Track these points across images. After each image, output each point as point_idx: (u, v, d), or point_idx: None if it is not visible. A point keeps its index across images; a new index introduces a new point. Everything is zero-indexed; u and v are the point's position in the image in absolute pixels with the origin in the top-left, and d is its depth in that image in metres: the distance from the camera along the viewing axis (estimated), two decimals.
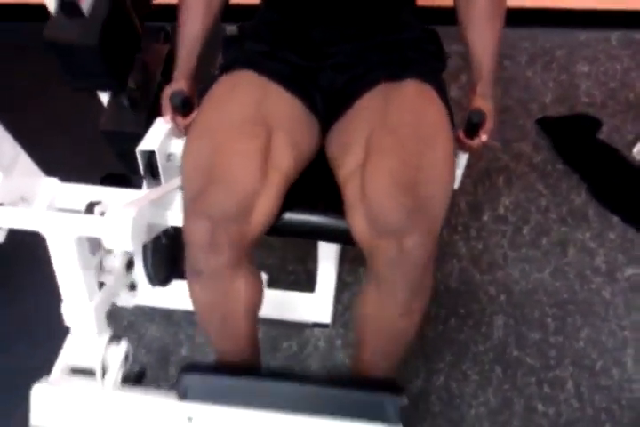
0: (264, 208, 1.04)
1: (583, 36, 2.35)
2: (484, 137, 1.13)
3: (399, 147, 1.03)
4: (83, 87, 1.49)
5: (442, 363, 1.64)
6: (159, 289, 1.62)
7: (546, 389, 1.60)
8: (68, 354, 1.15)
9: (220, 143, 1.07)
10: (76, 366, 1.16)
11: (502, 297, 1.74)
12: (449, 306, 1.73)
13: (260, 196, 1.03)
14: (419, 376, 1.61)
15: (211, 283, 1.05)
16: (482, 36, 1.17)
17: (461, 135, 1.13)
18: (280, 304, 1.64)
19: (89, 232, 1.02)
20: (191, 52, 1.20)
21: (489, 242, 1.84)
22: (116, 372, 1.13)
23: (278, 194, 1.06)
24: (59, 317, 1.17)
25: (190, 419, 1.02)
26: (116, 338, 1.19)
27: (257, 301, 1.12)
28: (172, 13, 1.24)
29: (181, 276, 1.29)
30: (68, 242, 1.04)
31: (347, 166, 1.07)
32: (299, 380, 1.06)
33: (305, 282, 1.76)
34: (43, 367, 1.15)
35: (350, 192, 1.04)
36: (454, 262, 1.80)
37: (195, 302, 1.11)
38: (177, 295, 1.64)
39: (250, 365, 1.17)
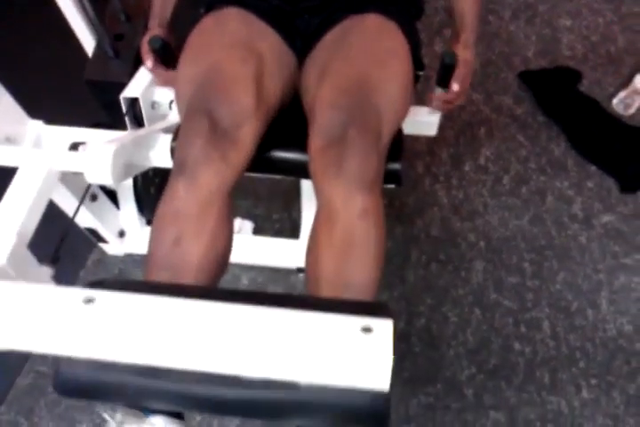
0: (253, 130, 1.05)
1: None
2: (455, 86, 1.15)
3: (349, 65, 1.06)
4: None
5: (422, 306, 1.69)
6: (147, 235, 1.67)
7: (522, 329, 1.65)
8: None
9: (214, 64, 1.08)
10: None
11: (482, 243, 1.79)
12: (429, 252, 1.78)
13: (251, 118, 1.04)
14: (400, 319, 1.66)
15: (186, 187, 0.98)
16: None
17: (435, 90, 1.16)
18: (265, 251, 1.68)
19: (71, 167, 1.06)
20: (166, 2, 1.22)
21: (469, 191, 1.89)
22: None
23: (265, 121, 1.09)
24: None
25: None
26: None
27: (220, 251, 1.01)
28: None
29: None
30: (43, 175, 1.06)
31: (307, 95, 1.11)
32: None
33: (290, 230, 1.80)
34: None
35: (308, 116, 1.07)
36: (435, 211, 1.85)
37: (159, 207, 1.00)
38: None
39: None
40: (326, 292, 0.94)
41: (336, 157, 0.97)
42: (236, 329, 0.63)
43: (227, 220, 1.02)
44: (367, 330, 0.64)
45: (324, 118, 1.01)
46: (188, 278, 0.95)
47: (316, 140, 1.01)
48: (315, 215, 1.01)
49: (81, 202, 1.22)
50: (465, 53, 1.15)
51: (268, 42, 1.15)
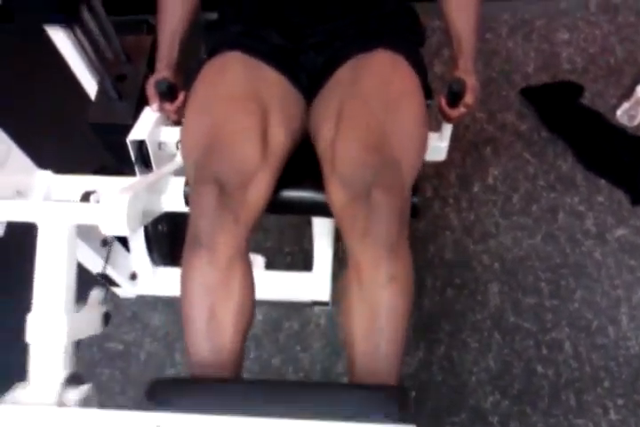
0: (263, 185, 1.05)
1: (562, 4, 2.36)
2: (462, 109, 1.14)
3: (366, 112, 1.05)
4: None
5: (441, 333, 1.67)
6: (159, 277, 1.66)
7: (544, 351, 1.63)
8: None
9: (218, 119, 1.08)
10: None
11: (496, 265, 1.78)
12: (444, 277, 1.76)
13: (259, 173, 1.05)
14: (419, 348, 1.65)
15: (207, 258, 1.00)
16: (462, 10, 1.18)
17: (443, 102, 1.14)
18: (279, 285, 1.67)
19: (86, 220, 1.05)
20: (172, 43, 1.22)
21: (480, 212, 1.87)
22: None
23: (275, 172, 1.08)
24: None
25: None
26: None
27: (248, 308, 1.03)
28: (154, 5, 1.25)
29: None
30: (65, 232, 1.05)
31: (321, 140, 1.09)
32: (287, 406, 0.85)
33: (302, 262, 1.79)
34: None
35: (325, 163, 1.07)
36: (447, 234, 1.84)
37: (184, 284, 1.03)
38: (178, 283, 1.67)
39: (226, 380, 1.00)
40: (359, 353, 0.99)
41: (363, 219, 0.98)
42: None
43: (248, 275, 1.05)
44: None
45: (346, 171, 1.01)
46: (227, 344, 0.99)
47: (338, 192, 1.02)
48: (345, 270, 1.04)
49: (108, 256, 1.22)
50: (468, 80, 1.13)
51: (273, 86, 1.15)
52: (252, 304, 1.05)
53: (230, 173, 1.02)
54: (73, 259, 1.06)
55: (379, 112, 1.06)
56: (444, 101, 1.14)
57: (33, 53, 1.31)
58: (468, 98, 1.13)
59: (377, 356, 0.98)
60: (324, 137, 1.08)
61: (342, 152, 1.02)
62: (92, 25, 1.41)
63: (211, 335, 0.99)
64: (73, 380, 1.01)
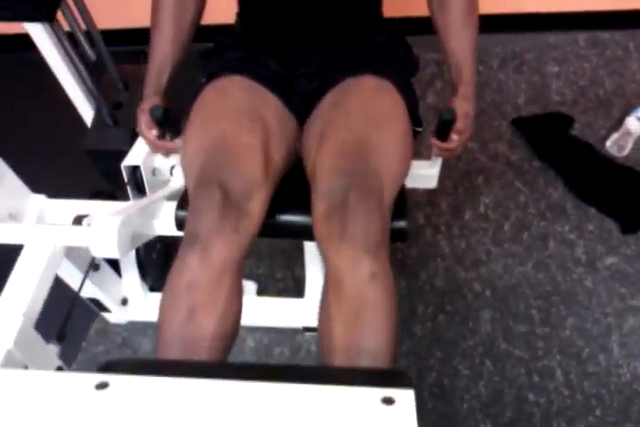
0: (263, 200, 1.06)
1: (552, 38, 2.42)
2: (454, 137, 1.15)
3: (345, 129, 1.07)
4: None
5: (432, 360, 1.67)
6: (151, 302, 1.67)
7: (535, 378, 1.63)
8: None
9: (222, 135, 1.09)
10: None
11: (487, 292, 1.78)
12: (435, 304, 1.77)
13: (262, 187, 1.06)
14: (410, 374, 1.64)
15: (201, 256, 0.98)
16: (460, 38, 1.20)
17: (433, 139, 1.16)
18: (270, 311, 1.67)
19: (76, 242, 1.06)
20: (162, 69, 1.23)
21: (471, 240, 1.89)
22: None
23: (273, 189, 1.10)
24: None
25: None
26: None
27: (231, 322, 1.00)
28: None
29: None
30: (48, 252, 1.06)
31: (307, 161, 1.12)
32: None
33: (294, 289, 1.80)
34: None
35: (311, 183, 1.09)
36: (438, 262, 1.85)
37: (171, 279, 1.00)
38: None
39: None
40: (340, 360, 0.92)
41: (339, 223, 0.97)
42: (253, 408, 0.63)
43: (238, 290, 1.02)
44: (389, 401, 0.64)
45: (324, 184, 1.02)
46: (202, 352, 0.94)
47: (318, 205, 1.02)
48: (323, 283, 1.01)
49: (85, 275, 1.22)
50: (464, 106, 1.15)
51: (271, 108, 1.17)
52: (235, 319, 1.01)
53: (235, 183, 1.01)
54: (49, 277, 1.06)
55: (357, 127, 1.08)
56: (433, 137, 1.16)
57: (31, 79, 1.34)
58: (459, 123, 1.13)
59: (364, 355, 0.93)
60: (308, 158, 1.11)
61: (320, 167, 1.04)
62: (90, 53, 1.45)
63: (185, 337, 0.94)
64: None
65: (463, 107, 1.15)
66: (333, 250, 0.98)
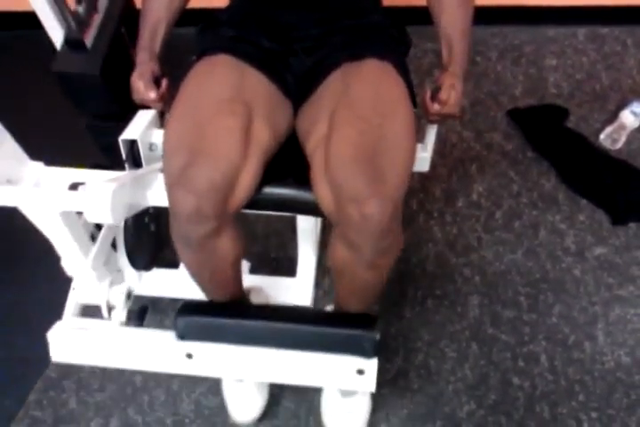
0: (245, 182, 1.09)
1: (551, 32, 2.44)
2: (436, 106, 1.16)
3: (359, 119, 1.08)
4: (87, 113, 1.51)
5: (420, 342, 1.69)
6: (145, 277, 1.68)
7: (521, 363, 1.65)
8: (76, 298, 1.33)
9: (201, 120, 1.11)
10: (86, 305, 1.35)
11: (477, 278, 1.80)
12: (425, 288, 1.79)
13: (242, 170, 1.08)
14: (398, 355, 1.67)
15: (198, 248, 1.13)
16: (452, 18, 1.20)
17: (427, 95, 1.17)
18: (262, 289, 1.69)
19: (71, 207, 1.08)
20: (155, 33, 1.23)
21: (463, 226, 1.91)
22: (120, 310, 1.33)
23: (258, 168, 1.12)
24: (59, 306, 1.27)
25: (190, 355, 1.18)
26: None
27: (240, 253, 1.21)
28: None
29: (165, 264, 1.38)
30: (53, 217, 1.08)
31: (312, 140, 1.13)
32: (284, 319, 1.20)
33: (286, 268, 1.81)
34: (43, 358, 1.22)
35: (316, 163, 1.10)
36: (430, 247, 1.87)
37: (185, 263, 1.23)
38: (162, 283, 1.69)
39: (238, 303, 1.34)
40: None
41: (355, 211, 1.01)
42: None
43: (239, 234, 1.19)
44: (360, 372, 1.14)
45: (340, 173, 1.03)
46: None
47: (331, 195, 1.06)
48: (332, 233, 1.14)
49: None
50: (450, 79, 1.15)
51: (260, 88, 1.19)
52: (241, 249, 1.21)
53: (211, 177, 1.04)
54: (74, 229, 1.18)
55: (370, 119, 1.08)
56: (429, 94, 1.17)
57: (32, 51, 1.35)
58: (443, 93, 1.14)
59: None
60: (315, 137, 1.12)
61: (335, 155, 1.04)
62: None
63: (217, 284, 1.28)
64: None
65: (449, 79, 1.15)
66: (342, 234, 1.09)
